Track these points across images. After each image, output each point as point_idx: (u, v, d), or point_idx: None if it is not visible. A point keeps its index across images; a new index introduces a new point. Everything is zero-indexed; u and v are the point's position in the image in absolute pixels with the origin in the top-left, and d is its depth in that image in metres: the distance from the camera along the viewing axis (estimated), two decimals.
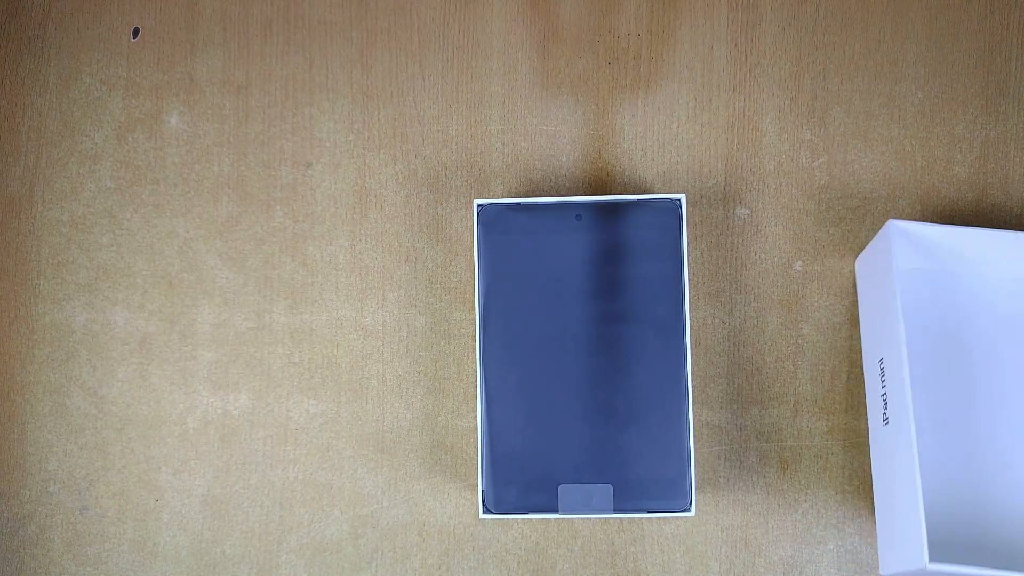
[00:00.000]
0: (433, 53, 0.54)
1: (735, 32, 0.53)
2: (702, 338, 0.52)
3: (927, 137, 0.53)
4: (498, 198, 0.53)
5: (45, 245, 0.53)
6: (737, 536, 0.51)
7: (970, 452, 0.50)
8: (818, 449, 0.51)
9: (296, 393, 0.52)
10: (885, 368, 0.47)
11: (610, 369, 0.48)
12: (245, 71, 0.54)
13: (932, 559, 0.48)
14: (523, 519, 0.51)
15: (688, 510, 0.47)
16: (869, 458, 0.51)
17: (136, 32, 0.54)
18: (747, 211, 0.52)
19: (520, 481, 0.48)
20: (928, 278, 0.51)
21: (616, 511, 0.47)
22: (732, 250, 0.52)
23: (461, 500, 0.51)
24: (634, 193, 0.53)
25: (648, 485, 0.47)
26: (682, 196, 0.49)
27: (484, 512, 0.48)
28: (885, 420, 0.47)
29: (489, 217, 0.49)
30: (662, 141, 0.53)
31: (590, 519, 0.51)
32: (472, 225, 0.53)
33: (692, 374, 0.51)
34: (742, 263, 0.52)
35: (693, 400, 0.51)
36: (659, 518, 0.51)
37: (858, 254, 0.52)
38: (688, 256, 0.52)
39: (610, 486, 0.48)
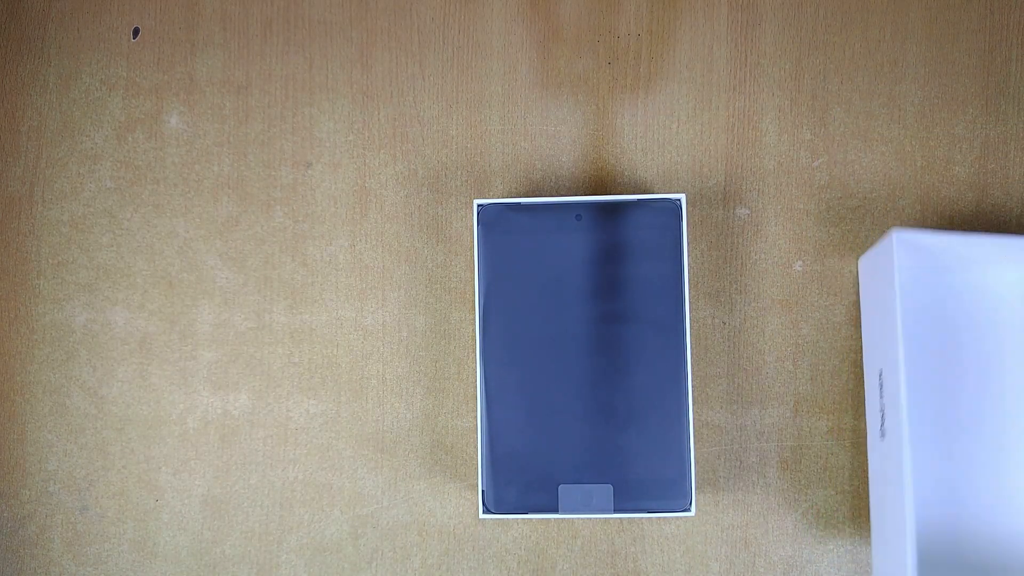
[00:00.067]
0: (433, 53, 0.54)
1: (735, 32, 0.53)
2: (702, 338, 0.52)
3: (927, 137, 0.53)
4: (498, 198, 0.53)
5: (45, 245, 0.53)
6: (737, 536, 0.51)
7: (968, 468, 0.49)
8: (818, 449, 0.51)
9: (296, 393, 0.52)
10: (884, 382, 0.47)
11: (610, 369, 0.48)
12: (245, 71, 0.54)
13: None
14: (523, 519, 0.51)
15: (688, 510, 0.47)
16: (869, 453, 0.51)
17: (136, 32, 0.54)
18: (747, 211, 0.52)
19: (520, 481, 0.48)
20: (932, 286, 0.51)
21: (616, 511, 0.47)
22: (732, 250, 0.52)
23: (461, 500, 0.51)
24: (634, 193, 0.53)
25: (648, 485, 0.47)
26: (682, 196, 0.49)
27: (484, 512, 0.48)
28: (882, 433, 0.47)
29: (489, 217, 0.49)
30: (662, 141, 0.53)
31: (590, 519, 0.51)
32: (472, 225, 0.53)
33: (692, 374, 0.51)
34: (742, 263, 0.52)
35: (693, 400, 0.51)
36: (659, 518, 0.51)
37: (859, 253, 0.52)
38: (688, 256, 0.52)
39: (610, 486, 0.48)
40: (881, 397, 0.47)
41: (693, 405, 0.51)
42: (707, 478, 0.51)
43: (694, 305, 0.52)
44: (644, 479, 0.47)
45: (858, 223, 0.52)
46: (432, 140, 0.53)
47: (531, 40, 0.54)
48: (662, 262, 0.49)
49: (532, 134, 0.53)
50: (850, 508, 0.51)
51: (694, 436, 0.51)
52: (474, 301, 0.52)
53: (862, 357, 0.51)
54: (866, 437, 0.51)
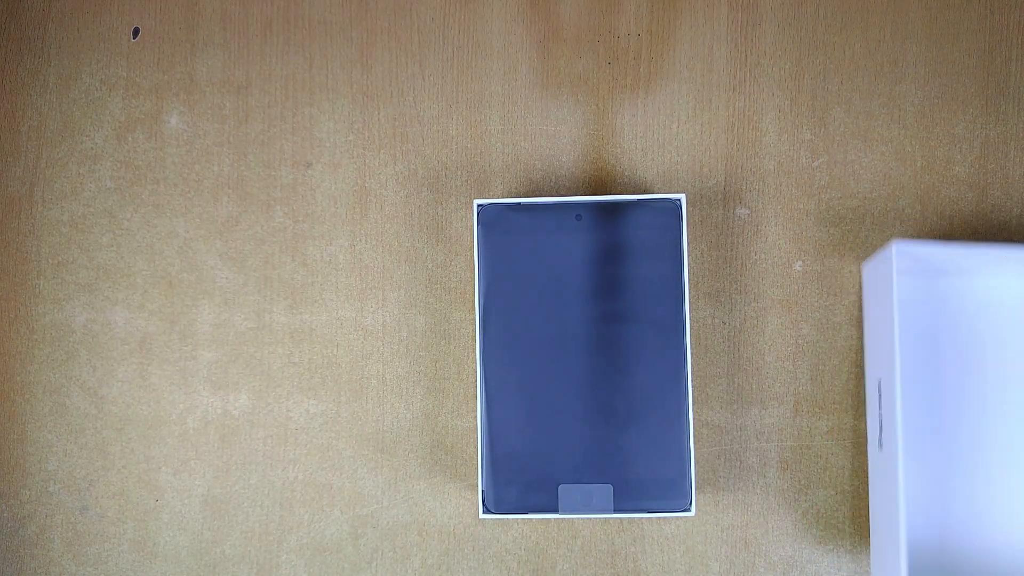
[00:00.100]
0: (433, 53, 0.54)
1: (735, 32, 0.53)
2: (702, 338, 0.52)
3: (927, 137, 0.53)
4: (498, 198, 0.53)
5: (45, 245, 0.53)
6: (737, 536, 0.51)
7: (968, 480, 0.49)
8: (818, 449, 0.51)
9: (296, 393, 0.52)
10: (882, 392, 0.47)
11: (610, 369, 0.48)
12: (245, 71, 0.54)
13: None
14: (523, 519, 0.51)
15: (688, 510, 0.47)
16: (868, 459, 0.51)
17: (136, 32, 0.54)
18: (747, 211, 0.52)
19: (520, 481, 0.48)
20: (932, 295, 0.50)
21: (616, 511, 0.47)
22: (732, 250, 0.52)
23: (461, 500, 0.51)
24: (634, 193, 0.53)
25: (648, 485, 0.47)
26: (682, 196, 0.49)
27: (484, 512, 0.48)
28: (880, 444, 0.47)
29: (489, 217, 0.49)
30: (662, 141, 0.53)
31: (590, 519, 0.51)
32: (472, 225, 0.53)
33: (692, 374, 0.51)
34: (742, 263, 0.52)
35: (693, 400, 0.51)
36: (659, 518, 0.51)
37: (859, 253, 0.52)
38: (688, 256, 0.52)
39: (610, 486, 0.47)
40: (880, 408, 0.47)
41: (693, 405, 0.51)
42: (707, 478, 0.51)
43: (694, 305, 0.52)
44: (644, 479, 0.47)
45: (858, 223, 0.52)
46: (432, 140, 0.53)
47: (531, 40, 0.54)
48: (662, 262, 0.49)
49: (532, 134, 0.53)
50: (850, 508, 0.51)
51: (694, 436, 0.51)
52: (474, 301, 0.52)
53: (863, 357, 0.51)
54: (866, 438, 0.51)
